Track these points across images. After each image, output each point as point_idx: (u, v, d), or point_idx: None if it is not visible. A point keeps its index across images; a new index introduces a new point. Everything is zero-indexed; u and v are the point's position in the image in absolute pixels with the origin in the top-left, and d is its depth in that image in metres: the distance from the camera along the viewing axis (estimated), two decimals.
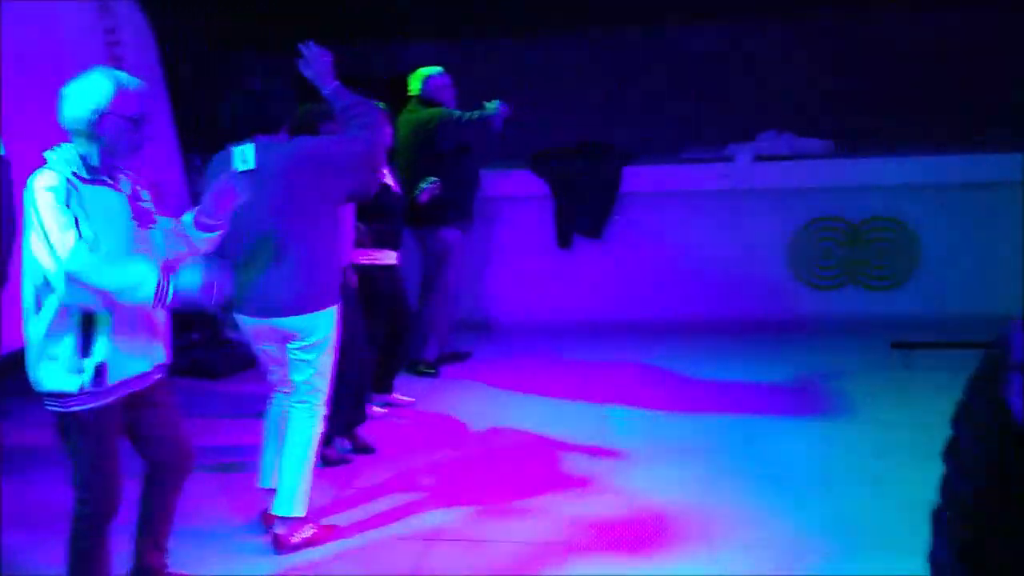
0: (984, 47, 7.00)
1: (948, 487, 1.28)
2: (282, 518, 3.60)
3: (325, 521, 3.81)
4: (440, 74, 5.59)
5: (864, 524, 3.67)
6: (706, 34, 7.69)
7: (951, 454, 1.29)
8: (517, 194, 6.60)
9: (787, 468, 4.31)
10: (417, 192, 5.15)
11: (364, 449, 4.59)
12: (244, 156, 3.46)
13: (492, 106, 5.44)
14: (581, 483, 4.24)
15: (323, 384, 3.67)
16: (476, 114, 5.43)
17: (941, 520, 1.30)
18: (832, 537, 3.59)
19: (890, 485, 3.94)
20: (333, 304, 3.64)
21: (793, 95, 7.16)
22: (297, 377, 3.64)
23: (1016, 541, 1.20)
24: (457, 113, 5.44)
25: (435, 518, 3.91)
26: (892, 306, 6.32)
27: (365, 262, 4.64)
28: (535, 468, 4.42)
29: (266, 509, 3.70)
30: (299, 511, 3.60)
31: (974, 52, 7.05)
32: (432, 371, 5.74)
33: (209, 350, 6.02)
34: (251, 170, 3.40)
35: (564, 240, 6.61)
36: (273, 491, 3.66)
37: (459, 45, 7.42)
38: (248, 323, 3.64)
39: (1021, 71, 6.76)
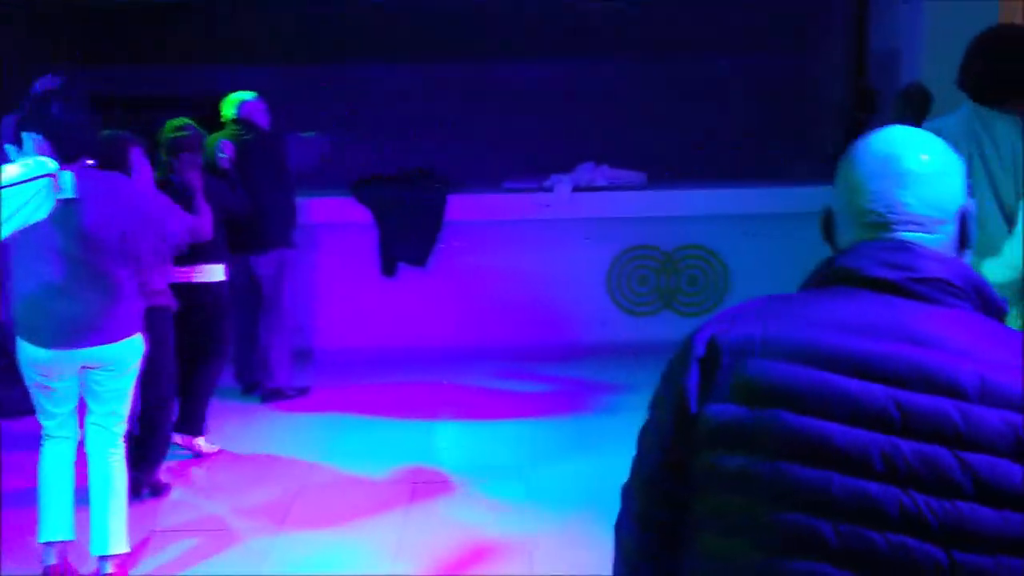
0: (785, 87, 7.46)
1: (634, 462, 1.44)
2: (107, 557, 3.47)
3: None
4: (255, 99, 5.55)
5: None
6: (529, 67, 7.85)
7: (640, 434, 1.45)
8: (340, 221, 6.51)
9: (604, 483, 4.39)
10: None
11: (162, 488, 4.39)
12: (62, 183, 3.30)
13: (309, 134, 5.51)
14: (408, 510, 4.19)
15: (126, 413, 3.58)
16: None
17: (627, 492, 1.46)
18: None
19: None
20: (139, 331, 3.56)
21: (611, 128, 7.40)
22: (101, 407, 3.51)
23: (679, 510, 1.35)
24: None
25: (255, 553, 3.77)
26: None
27: (185, 280, 4.52)
28: (359, 497, 4.34)
29: (48, 566, 3.49)
30: (125, 547, 3.50)
31: (777, 91, 7.50)
32: (283, 395, 5.62)
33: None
34: (68, 199, 3.30)
35: (388, 268, 6.56)
36: (54, 544, 3.47)
37: (285, 70, 7.29)
38: (43, 355, 3.42)
39: (816, 111, 7.24)
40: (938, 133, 3.72)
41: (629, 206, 6.57)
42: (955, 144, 3.84)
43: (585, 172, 6.67)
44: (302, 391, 5.79)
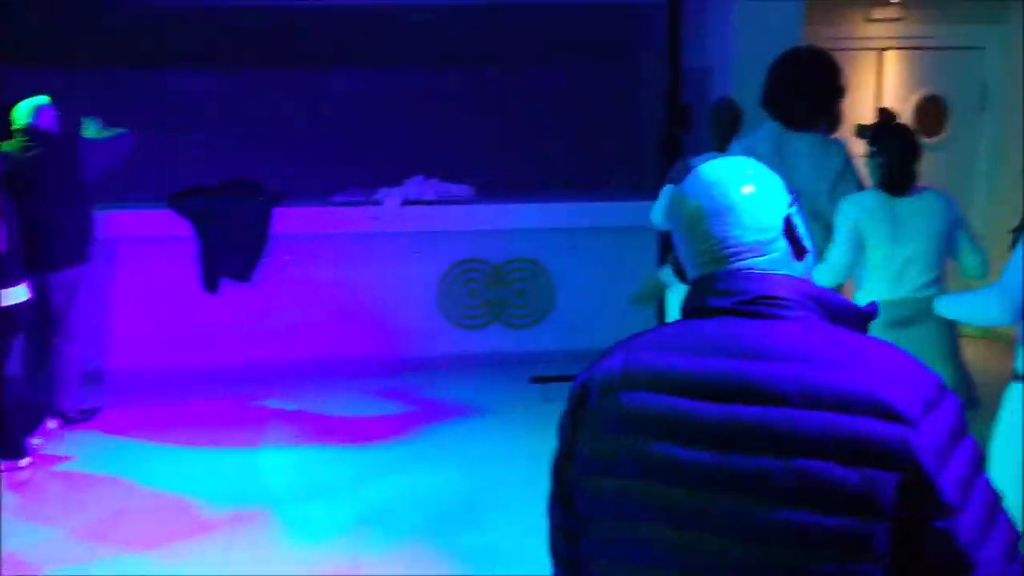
0: (609, 102, 7.68)
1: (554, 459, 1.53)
2: None
3: None
4: (45, 105, 5.27)
5: (516, 554, 3.81)
6: (358, 79, 7.77)
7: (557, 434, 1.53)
8: (156, 235, 6.24)
9: (437, 502, 4.38)
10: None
11: None
12: None
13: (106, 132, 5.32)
14: (231, 534, 4.05)
15: None
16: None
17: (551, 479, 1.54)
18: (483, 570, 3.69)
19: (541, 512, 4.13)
20: None
21: (441, 142, 7.41)
22: None
23: (575, 544, 1.45)
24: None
25: None
26: (532, 343, 6.70)
27: None
28: (173, 522, 4.16)
29: None
30: None
31: (601, 106, 7.71)
32: (69, 419, 5.33)
33: None
34: None
35: (211, 284, 6.33)
36: None
37: (95, 75, 6.92)
38: None
39: (637, 126, 7.49)
40: (748, 149, 3.95)
41: (458, 220, 6.59)
42: (762, 159, 4.09)
43: (415, 186, 6.66)
44: (89, 413, 5.51)
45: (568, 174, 7.33)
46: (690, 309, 1.43)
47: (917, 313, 3.58)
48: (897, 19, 7.19)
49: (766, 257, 1.41)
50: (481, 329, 6.75)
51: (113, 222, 5.90)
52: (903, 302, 3.60)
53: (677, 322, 1.44)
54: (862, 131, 3.92)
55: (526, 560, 3.66)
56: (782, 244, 1.42)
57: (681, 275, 1.54)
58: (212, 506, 4.38)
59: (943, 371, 3.57)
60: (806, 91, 3.96)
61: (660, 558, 1.30)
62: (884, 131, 3.73)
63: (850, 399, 1.23)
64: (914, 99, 7.29)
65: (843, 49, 7.15)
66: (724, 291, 1.38)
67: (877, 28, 7.19)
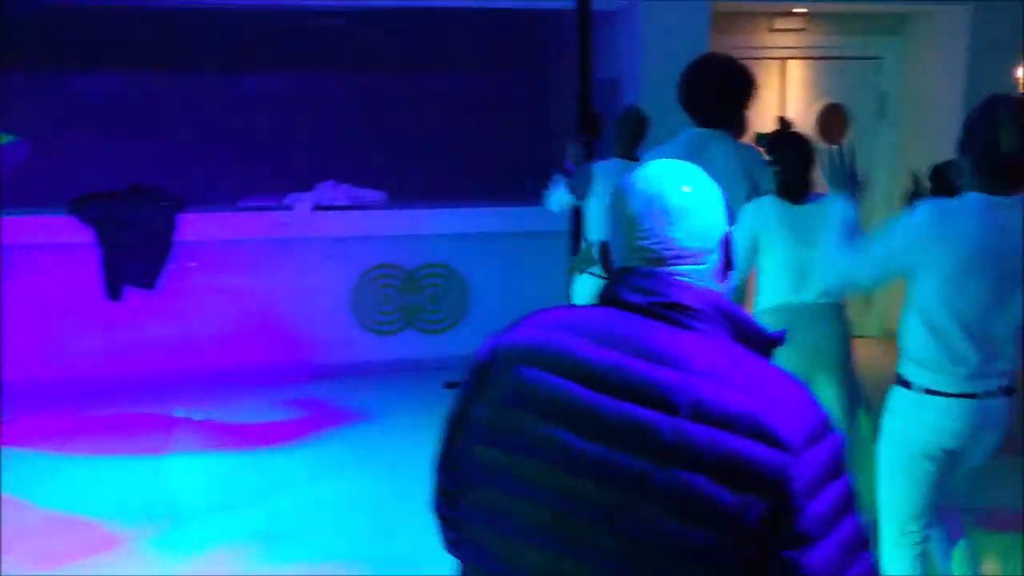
0: (524, 109, 7.72)
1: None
2: None
3: None
4: None
5: (426, 562, 3.79)
6: (266, 81, 7.66)
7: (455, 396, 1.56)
8: (57, 241, 6.04)
9: (348, 510, 4.34)
10: None
11: None
12: None
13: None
14: (138, 548, 3.94)
15: None
16: None
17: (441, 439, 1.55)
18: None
19: None
20: None
21: (352, 146, 7.35)
22: None
23: (458, 456, 1.47)
24: None
25: None
26: (446, 348, 6.68)
27: None
28: (74, 538, 4.04)
29: None
30: None
31: (516, 113, 7.75)
32: None
33: None
34: None
35: (113, 291, 6.15)
36: None
37: None
38: None
39: (550, 133, 7.53)
40: (667, 155, 4.00)
41: (371, 225, 6.54)
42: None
43: (326, 190, 6.59)
44: None
45: (480, 179, 7.34)
46: (606, 298, 1.44)
47: (816, 318, 3.67)
48: (799, 30, 7.39)
49: (702, 267, 1.43)
50: (395, 335, 6.71)
51: (11, 229, 5.70)
52: (804, 307, 3.68)
53: (590, 308, 1.45)
54: (760, 139, 4.01)
55: (436, 568, 3.65)
56: (716, 257, 1.44)
57: (607, 265, 1.54)
58: (114, 520, 4.25)
59: (837, 374, 3.68)
60: (727, 95, 4.01)
61: (531, 536, 1.32)
62: (781, 140, 3.83)
63: (738, 420, 1.25)
64: (816, 107, 7.49)
65: (748, 58, 7.28)
66: (644, 289, 1.39)
67: (780, 38, 7.38)
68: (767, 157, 3.77)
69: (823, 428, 1.30)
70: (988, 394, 2.84)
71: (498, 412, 1.39)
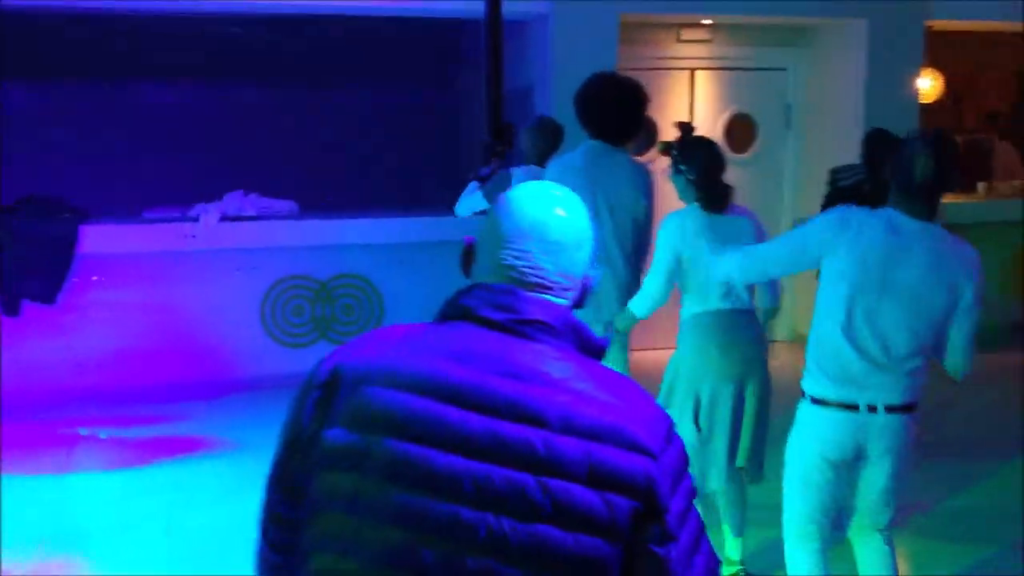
0: (436, 119, 7.70)
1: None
2: None
3: None
4: None
5: None
6: (172, 89, 7.48)
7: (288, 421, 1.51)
8: None
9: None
10: None
11: None
12: None
13: None
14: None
15: None
16: None
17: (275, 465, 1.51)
18: None
19: None
20: None
21: (261, 155, 7.23)
22: None
23: (292, 532, 1.42)
24: None
25: None
26: None
27: None
28: None
29: None
30: None
31: (429, 123, 7.72)
32: None
33: None
34: None
35: (11, 307, 5.92)
36: None
37: None
38: None
39: (462, 143, 7.53)
40: (567, 165, 4.04)
41: (281, 236, 6.44)
42: (581, 173, 4.20)
43: (233, 201, 6.46)
44: None
45: (393, 189, 7.29)
46: (457, 313, 1.43)
47: (745, 325, 3.70)
48: (706, 41, 7.53)
49: (558, 300, 1.46)
50: (308, 347, 6.61)
51: None
52: (734, 314, 3.70)
53: (438, 324, 1.45)
54: (666, 148, 4.05)
55: None
56: (572, 295, 1.49)
57: (467, 269, 1.54)
58: (12, 541, 4.09)
59: (763, 378, 3.74)
60: (618, 110, 4.13)
61: (388, 559, 1.28)
62: (689, 145, 3.86)
63: (603, 430, 1.32)
64: (724, 117, 7.64)
65: (656, 68, 7.45)
66: (503, 306, 1.40)
67: (688, 49, 7.51)
68: (675, 165, 3.78)
69: (671, 430, 1.39)
70: (871, 408, 2.90)
71: (348, 435, 1.33)
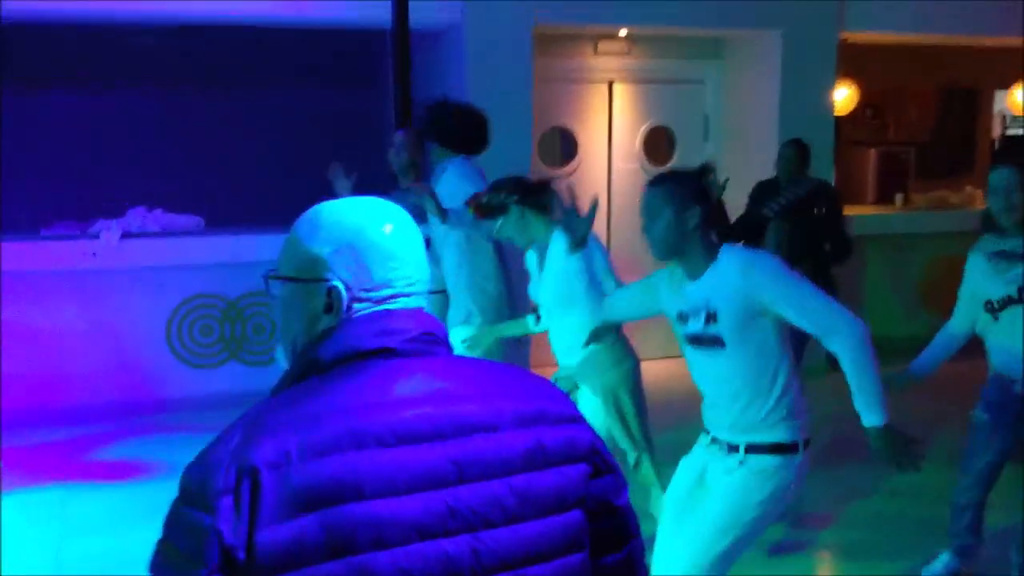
0: (349, 131, 7.53)
1: None
2: None
3: None
4: None
5: None
6: (73, 100, 7.20)
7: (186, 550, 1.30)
8: None
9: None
10: None
11: None
12: None
13: None
14: None
15: None
16: None
17: None
18: None
19: None
20: None
21: (164, 170, 6.99)
22: None
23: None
24: None
25: None
26: (273, 380, 6.36)
27: None
28: None
29: None
30: None
31: (343, 134, 7.54)
32: None
33: None
34: None
35: None
36: None
37: None
38: None
39: (376, 154, 7.37)
40: (450, 172, 4.02)
41: (187, 253, 6.21)
42: (467, 183, 4.21)
43: (136, 217, 6.22)
44: None
45: (305, 202, 7.08)
46: (343, 355, 1.32)
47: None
48: (624, 53, 7.49)
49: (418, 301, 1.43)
50: (217, 368, 6.38)
51: None
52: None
53: (326, 377, 1.31)
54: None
55: None
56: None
57: (332, 308, 1.39)
58: None
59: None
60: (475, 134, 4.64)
61: None
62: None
63: (536, 414, 1.35)
64: (642, 129, 7.61)
65: (574, 81, 7.39)
66: (383, 331, 1.34)
67: (605, 61, 7.46)
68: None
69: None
70: (715, 442, 2.90)
71: (302, 523, 1.19)
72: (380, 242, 1.38)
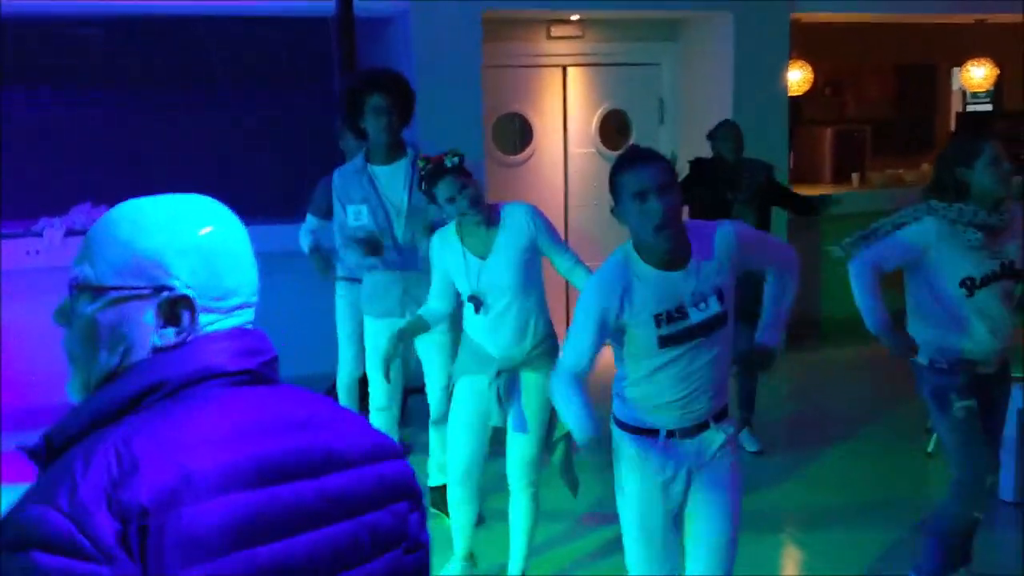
0: (299, 131, 7.41)
1: None
2: None
3: None
4: None
5: None
6: (15, 95, 7.04)
7: None
8: None
9: None
10: None
11: None
12: None
13: None
14: None
15: None
16: None
17: None
18: None
19: None
20: None
21: (109, 165, 6.85)
22: None
23: None
24: None
25: None
26: None
27: None
28: None
29: None
30: None
31: (293, 134, 7.43)
32: None
33: None
34: None
35: None
36: None
37: None
38: None
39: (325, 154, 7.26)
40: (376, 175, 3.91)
41: None
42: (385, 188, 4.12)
43: (81, 214, 6.09)
44: None
45: (256, 196, 6.98)
46: (194, 376, 1.17)
47: None
48: (577, 37, 7.41)
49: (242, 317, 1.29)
50: None
51: None
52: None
53: (191, 399, 1.16)
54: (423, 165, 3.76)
55: None
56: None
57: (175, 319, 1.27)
58: None
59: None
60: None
61: None
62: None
63: (375, 451, 1.26)
64: (598, 113, 7.55)
65: (527, 66, 7.31)
66: (247, 351, 1.21)
67: (559, 45, 7.39)
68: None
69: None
70: (698, 431, 2.86)
71: (203, 570, 1.07)
72: (227, 242, 1.22)
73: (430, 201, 3.68)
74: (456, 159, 3.54)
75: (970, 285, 3.31)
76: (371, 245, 4.09)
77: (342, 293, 5.28)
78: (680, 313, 2.66)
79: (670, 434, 2.76)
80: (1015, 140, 9.68)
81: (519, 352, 3.59)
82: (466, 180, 3.53)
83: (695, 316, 2.66)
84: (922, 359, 3.43)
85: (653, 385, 2.74)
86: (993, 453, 3.47)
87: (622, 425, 2.85)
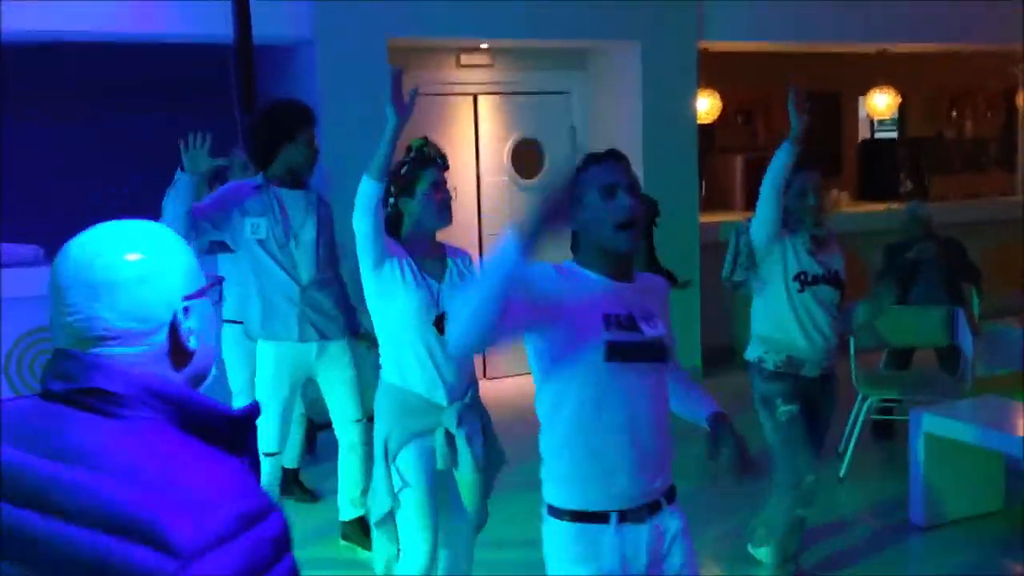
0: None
1: None
2: None
3: None
4: None
5: None
6: None
7: None
8: None
9: None
10: None
11: None
12: None
13: None
14: None
15: None
16: None
17: None
18: None
19: None
20: None
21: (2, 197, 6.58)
22: None
23: None
24: None
25: None
26: None
27: None
28: None
29: None
30: None
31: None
32: None
33: None
34: None
35: None
36: None
37: None
38: None
39: None
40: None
41: (25, 285, 5.82)
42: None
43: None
44: None
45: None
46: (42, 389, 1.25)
47: None
48: (487, 65, 7.39)
49: (136, 349, 1.25)
50: None
51: None
52: None
53: (25, 400, 1.27)
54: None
55: None
56: (159, 339, 1.27)
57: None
58: None
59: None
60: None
61: None
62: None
63: (132, 523, 1.09)
64: (510, 142, 7.52)
65: (437, 94, 7.25)
66: (64, 374, 1.23)
67: (469, 74, 7.35)
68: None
69: (238, 526, 1.11)
70: (658, 509, 2.48)
71: None
72: (58, 272, 1.29)
73: (401, 191, 3.32)
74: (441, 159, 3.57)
75: (803, 281, 3.76)
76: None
77: (228, 336, 4.65)
78: (631, 323, 2.29)
79: (622, 517, 2.29)
80: (916, 166, 9.95)
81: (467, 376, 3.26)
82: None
83: (647, 331, 2.30)
84: (752, 355, 3.85)
85: (597, 431, 2.29)
86: (815, 455, 3.78)
87: (559, 513, 2.34)
